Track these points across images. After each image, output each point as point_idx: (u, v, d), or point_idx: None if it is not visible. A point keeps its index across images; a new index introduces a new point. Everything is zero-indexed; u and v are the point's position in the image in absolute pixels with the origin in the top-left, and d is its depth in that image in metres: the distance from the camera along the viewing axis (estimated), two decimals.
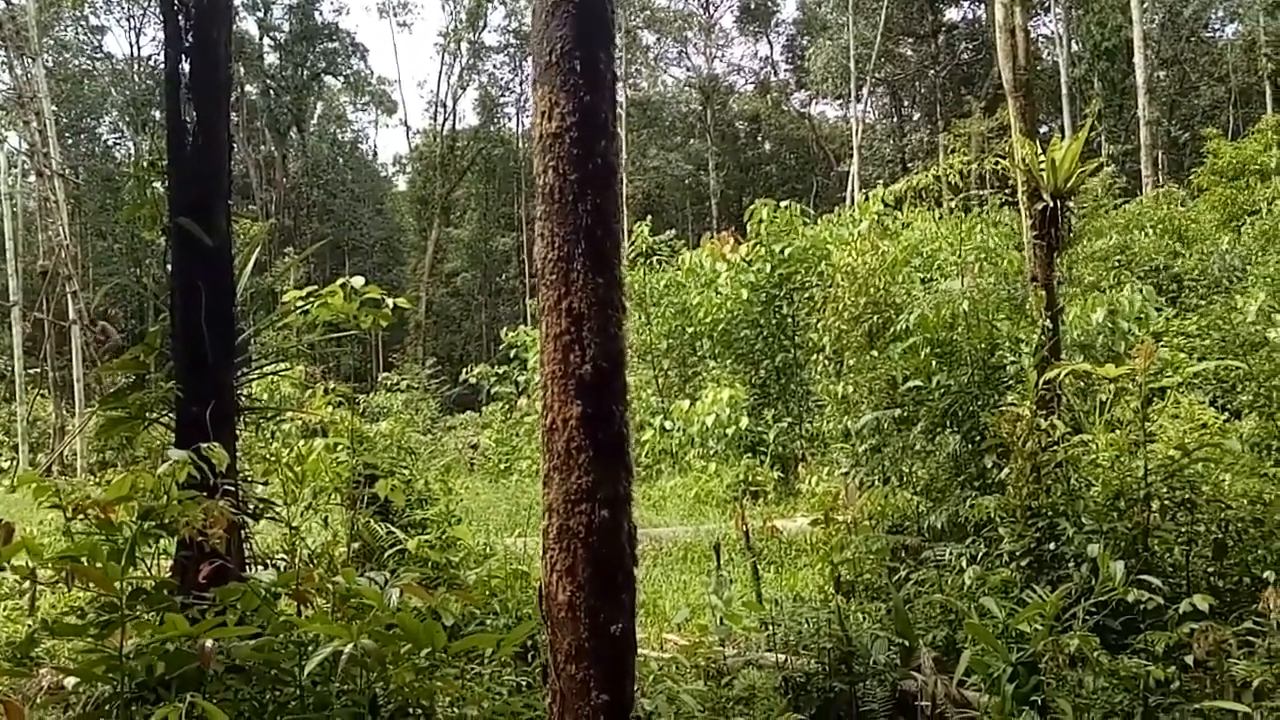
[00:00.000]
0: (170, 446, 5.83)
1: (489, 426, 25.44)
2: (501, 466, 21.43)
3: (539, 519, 10.63)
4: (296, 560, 6.50)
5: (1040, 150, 8.05)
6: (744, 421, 17.45)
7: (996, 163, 8.53)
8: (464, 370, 28.25)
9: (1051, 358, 7.39)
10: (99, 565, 3.36)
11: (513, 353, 25.35)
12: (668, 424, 19.20)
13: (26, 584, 3.60)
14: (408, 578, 3.74)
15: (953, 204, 12.41)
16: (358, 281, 7.64)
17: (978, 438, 8.09)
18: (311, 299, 7.29)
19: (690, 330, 21.48)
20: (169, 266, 6.10)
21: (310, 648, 3.89)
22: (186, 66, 6.00)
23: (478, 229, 58.15)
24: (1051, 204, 7.75)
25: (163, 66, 6.21)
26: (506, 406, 25.03)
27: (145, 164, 6.10)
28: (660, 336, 22.14)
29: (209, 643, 3.22)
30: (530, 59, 2.86)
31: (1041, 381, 7.00)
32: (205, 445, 4.00)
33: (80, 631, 3.57)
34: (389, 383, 32.16)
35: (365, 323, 7.81)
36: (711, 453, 17.69)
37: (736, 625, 7.65)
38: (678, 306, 21.47)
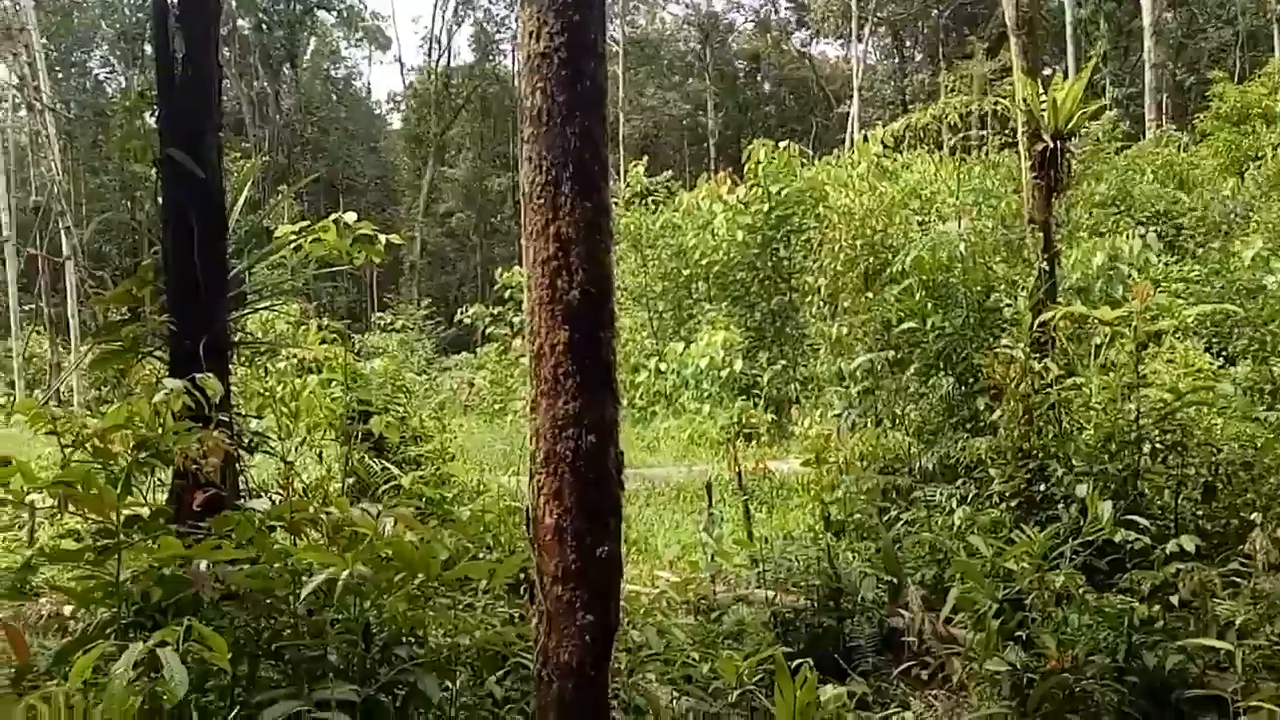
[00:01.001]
0: (164, 379, 5.86)
1: (484, 367, 25.48)
2: (496, 407, 21.49)
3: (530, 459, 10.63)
4: (290, 494, 6.54)
5: (1042, 90, 7.95)
6: (738, 364, 17.48)
7: (997, 104, 8.43)
8: (459, 311, 28.19)
9: (1048, 301, 7.38)
10: (95, 492, 3.38)
11: (508, 293, 25.29)
12: (662, 366, 19.23)
13: (24, 514, 3.62)
14: (399, 511, 3.77)
15: (952, 144, 12.29)
16: (350, 217, 7.59)
17: (971, 380, 8.13)
18: (305, 234, 7.24)
19: (686, 273, 21.42)
20: (160, 200, 6.04)
21: (305, 576, 3.93)
22: None
23: (473, 169, 57.59)
24: (1051, 145, 7.68)
25: None
26: (501, 347, 25.04)
27: (135, 95, 6.00)
28: (655, 278, 22.08)
29: (203, 565, 3.25)
30: None
31: (1036, 324, 7.00)
32: (200, 376, 4.00)
33: (77, 557, 3.60)
34: (383, 322, 32.10)
35: (358, 259, 7.77)
36: (705, 395, 17.75)
37: (727, 562, 7.75)
38: (674, 248, 21.39)
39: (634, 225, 22.30)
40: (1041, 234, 7.61)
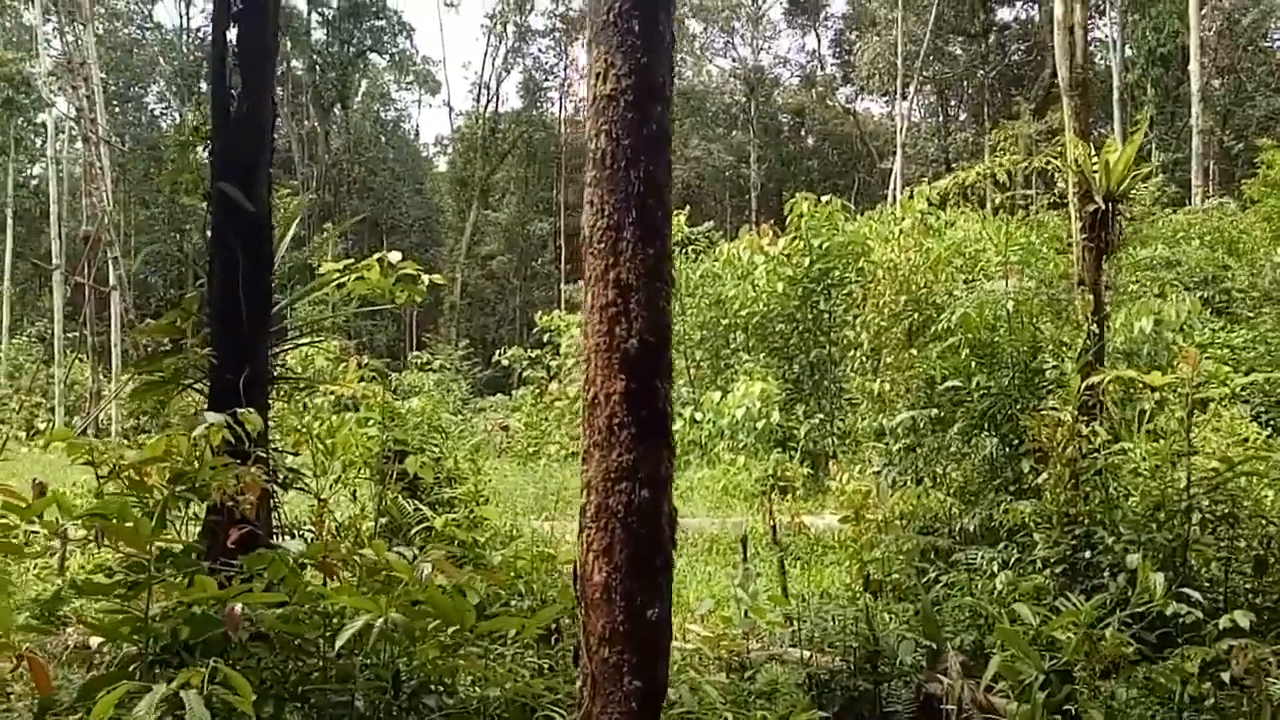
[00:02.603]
0: (203, 412, 5.87)
1: (518, 409, 25.47)
2: (530, 450, 21.43)
3: (566, 503, 10.63)
4: (324, 532, 6.50)
5: (1093, 152, 7.88)
6: (775, 416, 17.31)
7: (1048, 163, 8.35)
8: (496, 353, 28.28)
9: (1096, 363, 7.23)
10: (129, 525, 3.34)
11: (546, 336, 25.35)
12: (698, 415, 19.10)
13: (57, 543, 3.59)
14: (435, 555, 3.70)
15: (999, 201, 12.20)
16: (394, 256, 7.64)
17: (1015, 441, 7.95)
18: (348, 272, 7.29)
19: (724, 322, 21.36)
20: (209, 233, 6.11)
21: (336, 619, 3.87)
22: (233, 33, 6.00)
23: (516, 213, 58.20)
24: (1103, 207, 7.58)
25: (210, 33, 6.21)
26: (537, 390, 25.04)
27: (190, 129, 6.09)
28: (694, 327, 22.04)
29: (238, 607, 3.19)
30: (587, 19, 2.77)
31: (1084, 387, 6.85)
32: (241, 411, 3.98)
33: (107, 591, 3.57)
34: (420, 361, 32.27)
35: (400, 298, 7.80)
36: (741, 445, 17.58)
37: (761, 619, 7.58)
38: (713, 298, 21.35)
39: (675, 274, 22.31)
40: (1091, 296, 7.48)
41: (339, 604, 3.64)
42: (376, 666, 3.97)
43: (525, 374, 26.37)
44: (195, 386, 6.02)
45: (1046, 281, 9.60)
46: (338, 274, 7.17)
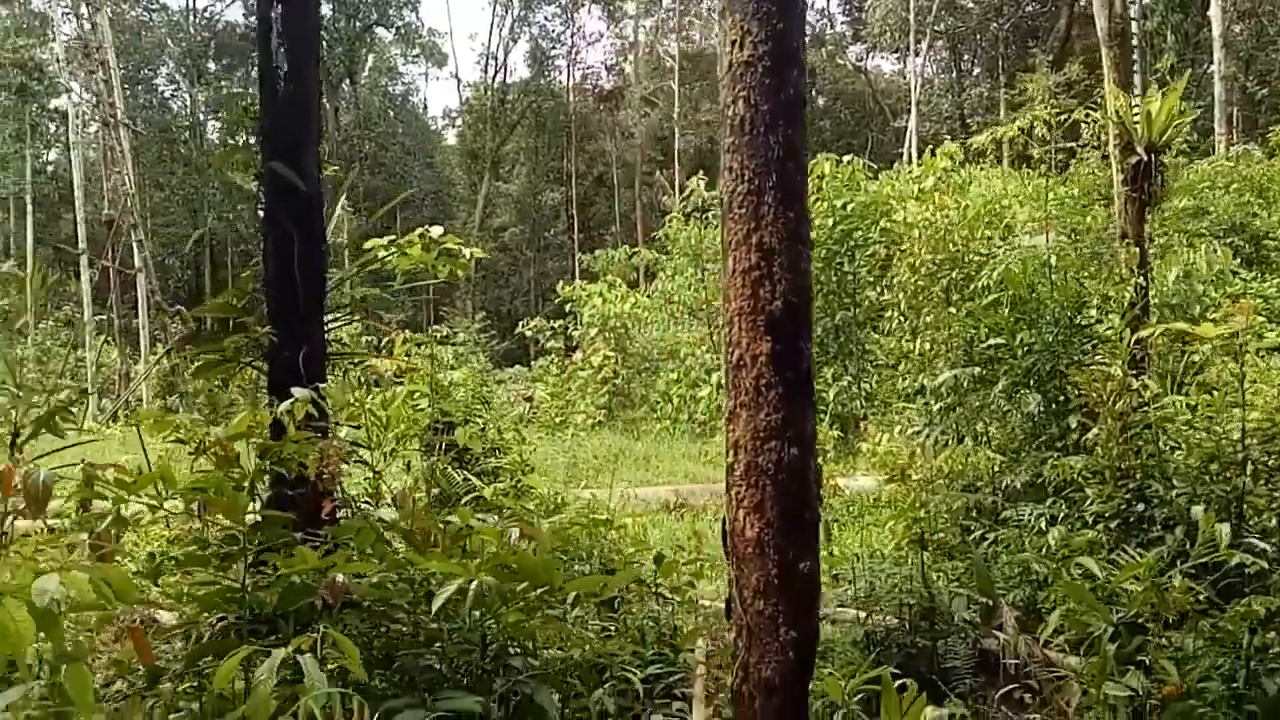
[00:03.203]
0: (263, 390, 5.95)
1: (539, 380, 25.54)
2: (557, 420, 21.53)
3: (596, 471, 10.70)
4: (379, 503, 6.59)
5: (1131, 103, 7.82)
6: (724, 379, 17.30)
7: (1086, 115, 8.29)
8: (520, 324, 28.31)
9: (1142, 317, 7.22)
10: (226, 498, 3.41)
11: (567, 307, 25.37)
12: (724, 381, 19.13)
13: (149, 515, 3.67)
14: (525, 522, 3.77)
15: (1038, 156, 12.09)
16: (436, 231, 7.68)
17: (1060, 397, 7.96)
18: (393, 247, 7.33)
19: None
20: (261, 213, 6.15)
21: (423, 585, 3.94)
22: (277, 11, 6.00)
23: (527, 183, 58.02)
24: (1145, 158, 7.53)
25: (256, 13, 6.22)
26: (556, 361, 25.11)
27: (239, 110, 6.12)
28: (716, 293, 22.01)
29: (339, 576, 3.26)
30: None
31: (1134, 341, 6.85)
32: (321, 387, 4.04)
33: (204, 563, 3.65)
34: (439, 335, 32.32)
35: (441, 272, 7.85)
36: None
37: None
38: None
39: (694, 239, 22.26)
40: (1136, 249, 7.46)
41: (429, 570, 3.71)
42: (462, 630, 4.05)
43: (547, 345, 26.42)
44: (255, 364, 6.09)
45: (1084, 235, 9.56)
46: (383, 250, 7.21)
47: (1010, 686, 5.83)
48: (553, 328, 26.15)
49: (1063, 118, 8.79)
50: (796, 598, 2.73)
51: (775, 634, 2.69)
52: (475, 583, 3.38)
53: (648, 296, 25.24)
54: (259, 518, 4.05)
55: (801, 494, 2.74)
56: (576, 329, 25.35)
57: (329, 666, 3.28)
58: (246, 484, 3.71)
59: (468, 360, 29.12)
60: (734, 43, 2.73)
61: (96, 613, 3.93)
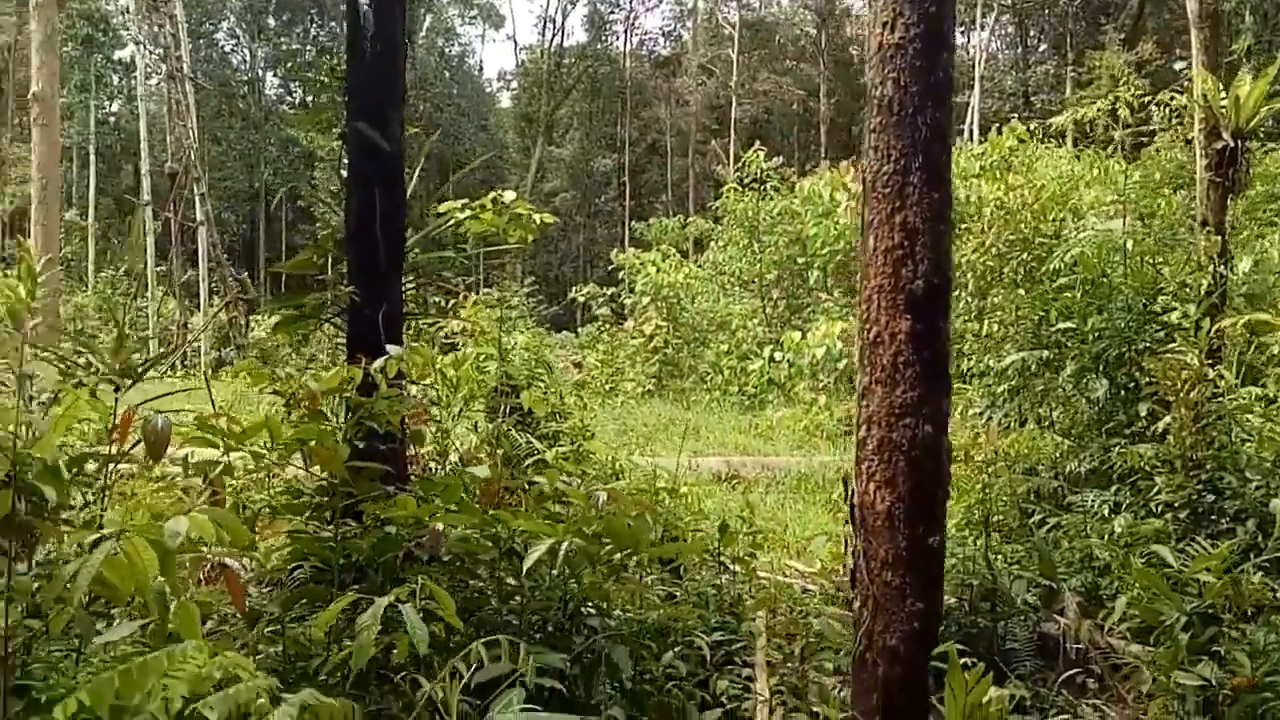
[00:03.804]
0: (341, 347, 6.06)
1: (588, 347, 25.65)
2: (606, 387, 21.64)
3: (646, 439, 10.76)
4: (447, 462, 6.71)
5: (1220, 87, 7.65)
6: (858, 355, 17.25)
7: (1171, 98, 8.13)
8: (572, 290, 28.39)
9: (1220, 306, 7.11)
10: (327, 449, 3.51)
11: (621, 274, 25.42)
12: (776, 355, 19.11)
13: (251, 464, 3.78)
14: (614, 487, 3.84)
15: (1118, 137, 11.87)
16: (509, 196, 7.76)
17: (1129, 384, 7.88)
18: (467, 210, 7.42)
19: (801, 260, 21.21)
20: (343, 173, 6.24)
21: (506, 542, 4.03)
22: None
23: (579, 149, 57.97)
24: (1231, 144, 7.38)
25: None
26: (606, 327, 25.18)
27: (326, 70, 6.20)
28: (770, 266, 21.94)
29: (439, 527, 3.35)
30: None
31: (1213, 330, 6.75)
32: (413, 346, 4.12)
33: (300, 511, 3.76)
34: (492, 299, 32.51)
35: (513, 236, 7.93)
36: (822, 385, 17.58)
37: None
38: (790, 235, 21.19)
39: (750, 211, 22.15)
40: (1217, 236, 7.33)
41: (515, 528, 3.79)
42: (542, 588, 4.15)
43: (598, 312, 26.50)
44: (333, 321, 6.20)
45: (1159, 220, 9.40)
46: (458, 212, 7.30)
47: (1072, 671, 5.82)
48: (605, 294, 26.20)
49: (1145, 99, 8.64)
50: (924, 571, 2.79)
51: (902, 605, 2.74)
52: (565, 543, 3.45)
53: (699, 266, 25.20)
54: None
55: (934, 470, 2.79)
56: (628, 297, 25.40)
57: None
58: (341, 437, 3.80)
59: (515, 325, 29.34)
60: (885, 24, 2.74)
61: (190, 556, 4.07)
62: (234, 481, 4.54)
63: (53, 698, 2.80)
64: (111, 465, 3.49)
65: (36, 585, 2.82)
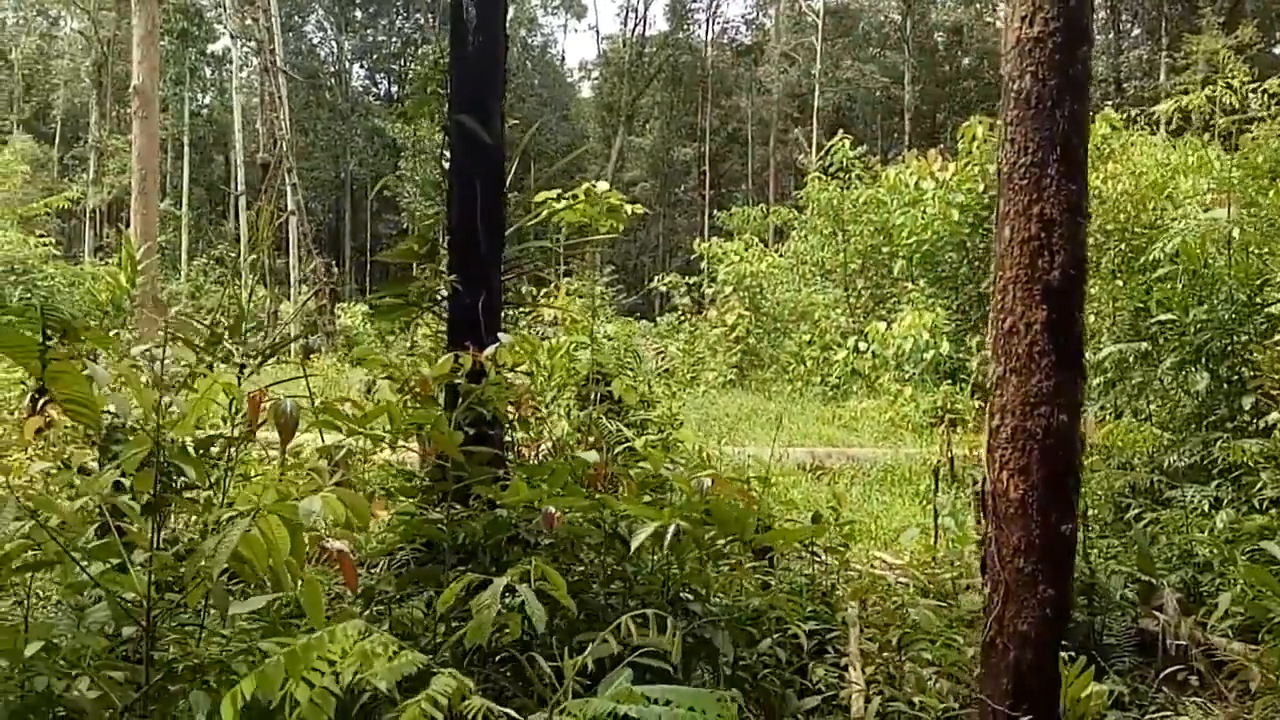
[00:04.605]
0: (442, 335, 6.24)
1: (668, 337, 25.72)
2: (688, 377, 21.70)
3: (728, 429, 10.78)
4: (540, 448, 6.86)
5: None
6: (945, 347, 17.03)
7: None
8: (656, 279, 28.49)
9: None
10: (442, 433, 3.65)
11: (701, 264, 25.43)
12: (861, 345, 18.96)
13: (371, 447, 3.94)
14: (718, 474, 3.91)
15: (1223, 125, 11.51)
16: (602, 186, 7.88)
17: (1233, 377, 7.68)
18: (563, 201, 7.56)
19: (886, 250, 20.98)
20: (446, 164, 6.41)
21: (611, 526, 4.13)
22: None
23: (660, 138, 58.01)
24: None
25: None
26: (687, 316, 25.22)
27: (430, 63, 6.36)
28: (855, 255, 21.74)
29: (552, 509, 3.46)
30: None
31: None
32: (521, 336, 4.24)
33: (414, 494, 3.91)
34: (569, 288, 32.80)
35: (604, 226, 8.04)
36: (907, 377, 17.40)
37: (964, 547, 7.64)
38: (876, 225, 20.96)
39: (835, 200, 21.97)
40: None
41: (619, 512, 3.89)
42: (644, 572, 4.25)
43: (677, 301, 26.55)
44: (434, 309, 6.38)
45: (1265, 210, 9.10)
46: (554, 203, 7.44)
47: (1173, 668, 5.74)
48: (687, 283, 26.25)
49: (1253, 85, 8.35)
50: (1056, 558, 2.82)
51: (1033, 591, 2.78)
52: (672, 526, 3.54)
53: (780, 256, 25.09)
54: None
55: (1067, 459, 2.82)
56: (709, 286, 25.41)
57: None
58: (455, 422, 3.94)
59: (594, 313, 29.53)
60: (1024, 18, 2.78)
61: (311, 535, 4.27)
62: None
63: (189, 666, 2.99)
64: (237, 446, 3.68)
65: (180, 561, 2.99)
